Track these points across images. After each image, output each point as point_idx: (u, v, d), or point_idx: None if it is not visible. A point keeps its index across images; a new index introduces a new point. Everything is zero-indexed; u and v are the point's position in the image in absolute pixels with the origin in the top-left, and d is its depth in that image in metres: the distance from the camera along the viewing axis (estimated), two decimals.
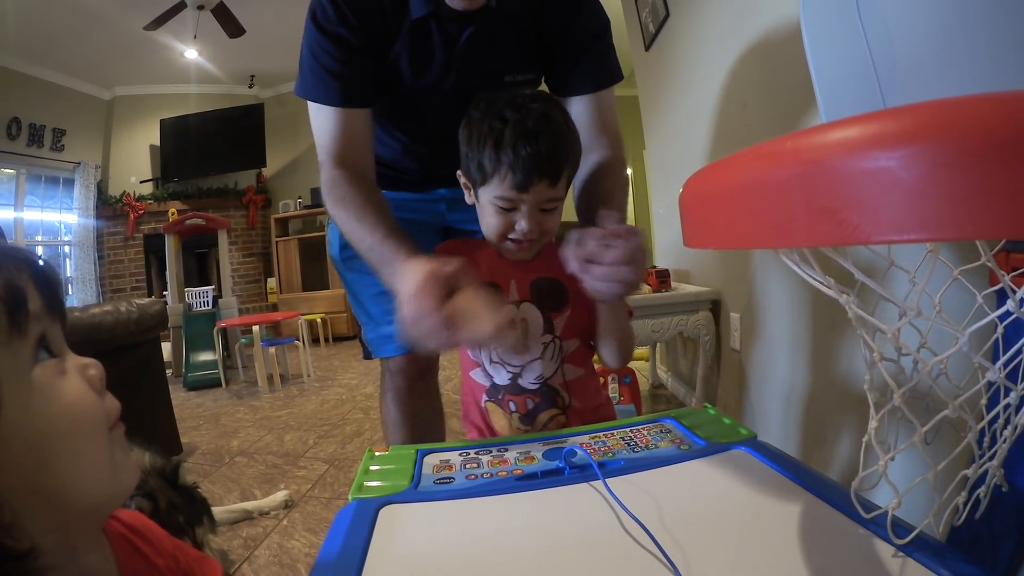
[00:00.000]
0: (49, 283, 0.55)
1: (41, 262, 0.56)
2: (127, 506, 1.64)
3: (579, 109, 1.37)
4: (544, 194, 1.07)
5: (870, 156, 0.38)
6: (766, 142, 0.48)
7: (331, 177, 1.29)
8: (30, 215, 7.54)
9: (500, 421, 1.20)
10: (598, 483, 0.82)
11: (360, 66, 1.30)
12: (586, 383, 1.23)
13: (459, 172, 1.20)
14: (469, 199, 1.20)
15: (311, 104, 1.33)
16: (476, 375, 1.22)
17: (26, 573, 0.47)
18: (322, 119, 1.33)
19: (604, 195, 1.25)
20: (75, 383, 0.54)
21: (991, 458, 0.72)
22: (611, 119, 1.42)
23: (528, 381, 1.18)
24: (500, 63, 1.37)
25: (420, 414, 1.66)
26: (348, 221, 1.23)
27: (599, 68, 1.39)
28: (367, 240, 1.18)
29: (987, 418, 0.71)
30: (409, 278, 1.00)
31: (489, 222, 1.12)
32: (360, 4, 1.26)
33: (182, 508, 1.77)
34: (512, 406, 1.18)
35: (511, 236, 1.11)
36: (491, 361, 1.19)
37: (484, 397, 1.21)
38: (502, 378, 1.19)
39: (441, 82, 1.35)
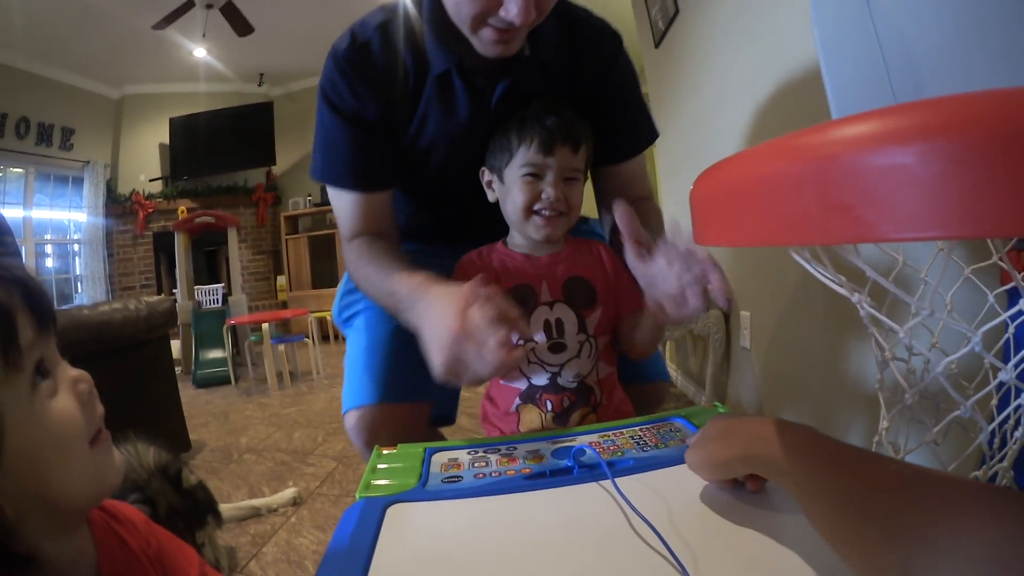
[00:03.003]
0: (40, 301, 0.59)
1: (30, 275, 0.60)
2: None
3: (615, 171, 1.36)
4: (567, 161, 1.14)
5: (886, 152, 0.37)
6: (779, 138, 0.47)
7: (352, 247, 1.26)
8: (39, 214, 7.57)
9: (533, 423, 1.17)
10: (607, 483, 0.81)
11: (379, 146, 1.24)
12: (613, 380, 1.24)
13: (482, 169, 1.23)
14: (492, 196, 1.23)
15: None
16: (509, 380, 1.19)
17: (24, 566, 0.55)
18: (341, 203, 1.28)
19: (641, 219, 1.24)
20: (64, 403, 0.59)
21: (1001, 459, 0.71)
22: (644, 174, 1.40)
23: (567, 380, 1.17)
24: None
25: None
26: (368, 276, 1.20)
27: (637, 131, 1.35)
28: (382, 285, 1.14)
29: (998, 419, 0.70)
30: (432, 311, 0.97)
31: (516, 198, 1.15)
32: (375, 71, 1.20)
33: (183, 513, 1.77)
34: (549, 405, 1.16)
35: (538, 207, 1.14)
36: (528, 362, 1.17)
37: (517, 401, 1.18)
38: (540, 379, 1.17)
39: (466, 143, 1.26)
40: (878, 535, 0.46)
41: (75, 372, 0.63)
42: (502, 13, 1.03)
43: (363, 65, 1.20)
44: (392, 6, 1.24)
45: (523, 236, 1.21)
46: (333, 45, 1.23)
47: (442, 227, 1.42)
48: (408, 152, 1.29)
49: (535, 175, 1.13)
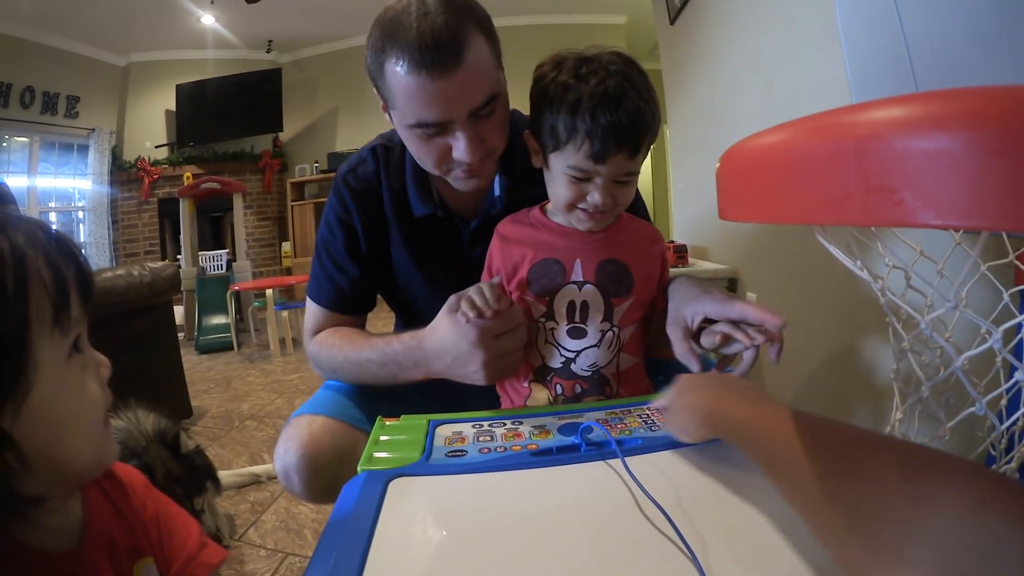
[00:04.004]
0: (88, 283, 0.67)
1: (83, 256, 0.68)
2: None
3: None
4: (622, 166, 0.99)
5: (933, 136, 0.36)
6: (816, 114, 0.46)
7: (318, 339, 1.30)
8: (43, 182, 7.54)
9: (540, 403, 1.12)
10: (615, 461, 0.81)
11: (365, 272, 1.31)
12: (637, 372, 1.17)
13: (527, 133, 1.09)
14: (536, 162, 1.10)
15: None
16: (526, 354, 1.13)
17: (27, 509, 0.60)
18: (315, 312, 1.34)
19: None
20: (93, 381, 0.67)
21: (1009, 461, 0.71)
22: None
23: (581, 367, 1.10)
24: None
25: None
26: (347, 360, 1.22)
27: None
28: (374, 356, 1.16)
29: (1010, 420, 0.70)
30: (440, 344, 1.05)
31: (559, 191, 1.05)
32: (368, 190, 1.28)
33: (180, 479, 1.77)
34: (559, 389, 1.11)
35: (582, 206, 1.04)
36: (545, 341, 1.11)
37: (530, 376, 1.13)
38: (554, 361, 1.11)
39: (447, 279, 1.24)
40: (843, 521, 0.48)
41: (101, 357, 0.71)
42: (455, 155, 1.06)
43: (358, 184, 1.28)
44: (389, 133, 1.31)
45: (563, 217, 1.12)
46: (336, 172, 1.33)
47: None
48: (390, 287, 1.37)
49: (582, 179, 1.01)
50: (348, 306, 1.32)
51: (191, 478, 1.82)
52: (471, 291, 1.00)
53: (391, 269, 1.34)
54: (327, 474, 1.13)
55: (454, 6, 0.99)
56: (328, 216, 1.31)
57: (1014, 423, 0.69)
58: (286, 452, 1.15)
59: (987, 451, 0.71)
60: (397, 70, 0.98)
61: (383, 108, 1.12)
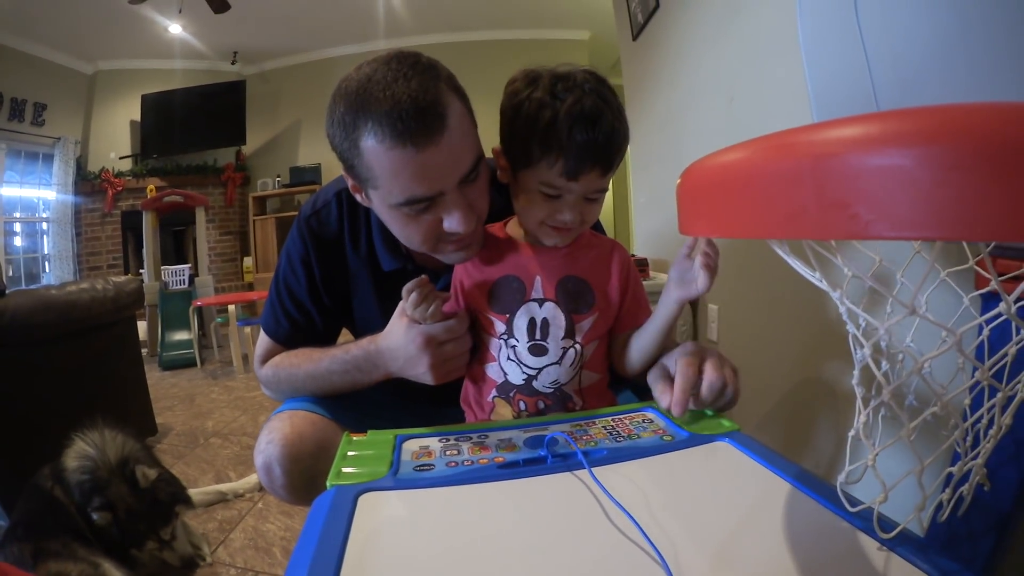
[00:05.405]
0: None
1: None
2: (92, 516, 1.64)
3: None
4: (593, 184, 1.00)
5: (887, 153, 0.38)
6: (775, 133, 0.47)
7: (270, 364, 1.31)
8: (8, 191, 7.37)
9: (506, 417, 1.12)
10: (582, 472, 0.81)
11: (323, 322, 1.32)
12: (599, 387, 1.17)
13: (495, 149, 1.08)
14: (503, 178, 1.09)
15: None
16: (490, 370, 1.14)
17: None
18: (266, 340, 1.34)
19: None
20: None
21: (975, 457, 0.72)
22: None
23: (543, 384, 1.10)
24: None
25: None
26: (309, 375, 1.23)
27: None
28: (336, 367, 1.18)
29: (973, 417, 0.71)
30: (393, 347, 1.09)
31: (529, 208, 1.05)
32: (329, 235, 1.27)
33: (142, 515, 1.75)
34: (522, 405, 1.11)
35: (550, 223, 1.04)
36: (507, 359, 1.11)
37: (493, 392, 1.13)
38: (516, 377, 1.11)
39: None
40: None
41: None
42: (446, 227, 1.02)
43: (319, 229, 1.27)
44: None
45: (528, 231, 1.13)
46: (300, 210, 1.31)
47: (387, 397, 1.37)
48: (351, 329, 1.39)
49: (553, 196, 1.01)
50: (303, 344, 1.28)
51: (152, 512, 1.79)
52: (407, 292, 1.04)
53: (351, 314, 1.35)
54: (307, 465, 1.14)
55: (421, 68, 0.94)
56: (291, 253, 1.29)
57: (978, 420, 0.71)
58: (268, 444, 1.16)
59: (952, 448, 0.72)
60: (377, 145, 0.92)
61: (355, 189, 1.08)
